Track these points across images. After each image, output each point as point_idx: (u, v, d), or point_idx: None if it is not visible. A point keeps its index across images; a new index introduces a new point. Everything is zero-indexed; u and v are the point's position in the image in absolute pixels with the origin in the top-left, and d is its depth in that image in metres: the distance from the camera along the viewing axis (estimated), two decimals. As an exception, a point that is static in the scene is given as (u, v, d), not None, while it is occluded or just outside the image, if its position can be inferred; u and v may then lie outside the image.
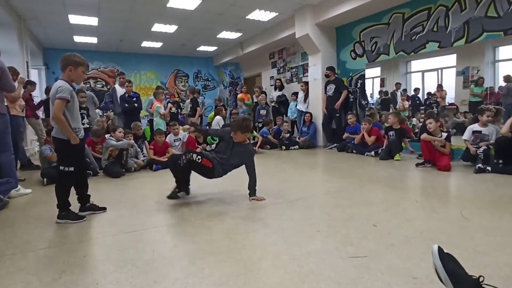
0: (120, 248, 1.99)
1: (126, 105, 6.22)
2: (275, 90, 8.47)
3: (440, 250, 1.21)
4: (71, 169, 2.47)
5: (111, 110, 7.77)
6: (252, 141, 6.56)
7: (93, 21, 7.10)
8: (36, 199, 2.54)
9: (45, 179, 4.03)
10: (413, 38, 5.53)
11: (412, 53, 5.60)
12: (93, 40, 8.76)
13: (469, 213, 2.46)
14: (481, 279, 1.10)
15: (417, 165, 4.42)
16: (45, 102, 5.95)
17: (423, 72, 6.49)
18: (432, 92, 5.99)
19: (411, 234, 2.09)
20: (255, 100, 8.51)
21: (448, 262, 1.17)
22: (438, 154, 4.26)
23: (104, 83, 10.26)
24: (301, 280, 1.56)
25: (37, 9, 6.27)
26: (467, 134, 4.35)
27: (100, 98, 10.07)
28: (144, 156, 5.17)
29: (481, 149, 4.04)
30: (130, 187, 3.83)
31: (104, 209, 2.77)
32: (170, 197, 2.97)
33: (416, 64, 6.58)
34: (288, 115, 7.96)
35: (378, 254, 1.81)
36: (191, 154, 2.84)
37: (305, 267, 1.68)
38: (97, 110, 8.12)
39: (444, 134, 4.27)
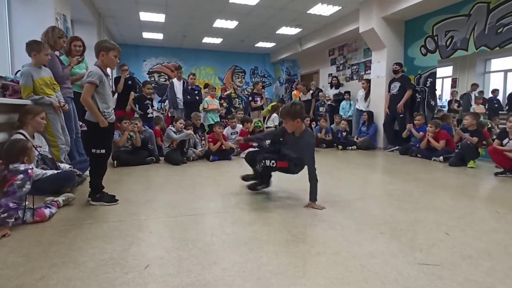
0: (182, 229, 2.08)
1: (189, 97, 6.45)
2: (331, 88, 8.21)
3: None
4: (102, 151, 2.53)
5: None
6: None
7: (160, 17, 7.57)
8: (108, 178, 2.79)
9: (115, 162, 4.42)
10: (499, 31, 4.88)
11: (497, 48, 4.95)
12: (159, 36, 9.34)
13: None
14: None
15: (497, 174, 3.92)
16: (114, 93, 6.45)
17: (505, 71, 5.75)
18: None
19: (492, 247, 1.85)
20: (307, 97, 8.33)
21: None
22: (524, 163, 3.74)
23: (166, 77, 10.93)
24: (363, 279, 1.46)
25: (113, 7, 6.88)
26: None
27: (162, 92, 10.85)
28: (202, 147, 5.39)
29: None
30: (189, 174, 4.01)
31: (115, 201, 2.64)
32: (250, 187, 3.03)
33: (498, 63, 5.85)
34: (339, 113, 7.68)
35: (453, 264, 1.63)
36: (264, 161, 2.71)
37: (368, 267, 1.58)
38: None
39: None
